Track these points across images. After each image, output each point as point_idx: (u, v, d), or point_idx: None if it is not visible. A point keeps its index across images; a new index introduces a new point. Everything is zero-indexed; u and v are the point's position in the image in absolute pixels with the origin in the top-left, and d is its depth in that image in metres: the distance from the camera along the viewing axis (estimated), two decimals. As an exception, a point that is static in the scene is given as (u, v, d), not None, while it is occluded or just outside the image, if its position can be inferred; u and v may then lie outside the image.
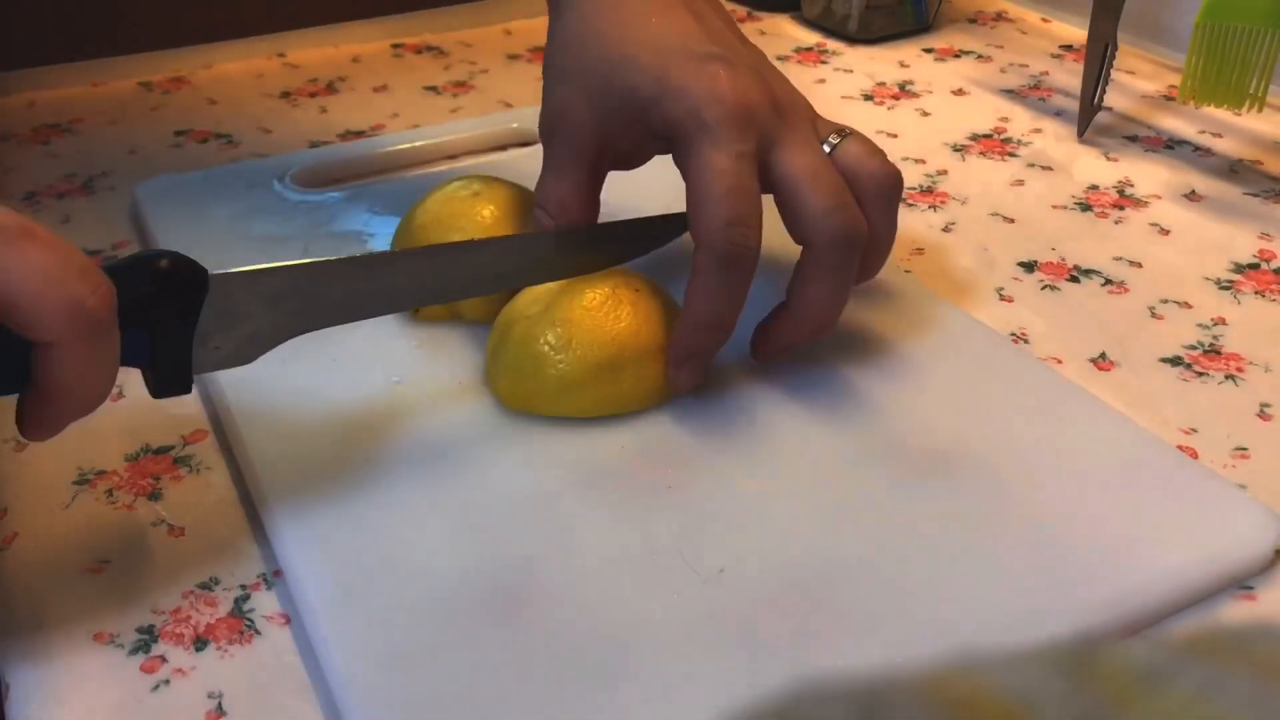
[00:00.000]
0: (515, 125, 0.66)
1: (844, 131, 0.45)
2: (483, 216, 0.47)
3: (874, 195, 0.45)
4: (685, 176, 0.43)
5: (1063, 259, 0.57)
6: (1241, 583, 0.38)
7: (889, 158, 0.46)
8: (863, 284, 0.47)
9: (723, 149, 0.42)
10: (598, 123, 0.45)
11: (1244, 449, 0.44)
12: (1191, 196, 0.63)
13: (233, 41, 0.79)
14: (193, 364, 0.37)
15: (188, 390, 0.38)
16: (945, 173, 0.65)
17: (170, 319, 0.36)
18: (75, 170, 0.64)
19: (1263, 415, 0.46)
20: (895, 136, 0.69)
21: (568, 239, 0.46)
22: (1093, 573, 0.37)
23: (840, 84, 0.76)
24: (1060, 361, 0.49)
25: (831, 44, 0.83)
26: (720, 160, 0.42)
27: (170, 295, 0.36)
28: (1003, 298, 0.54)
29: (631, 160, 0.48)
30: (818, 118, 0.46)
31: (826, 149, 0.44)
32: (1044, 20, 0.88)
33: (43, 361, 0.32)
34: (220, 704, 0.34)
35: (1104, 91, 0.68)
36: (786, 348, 0.46)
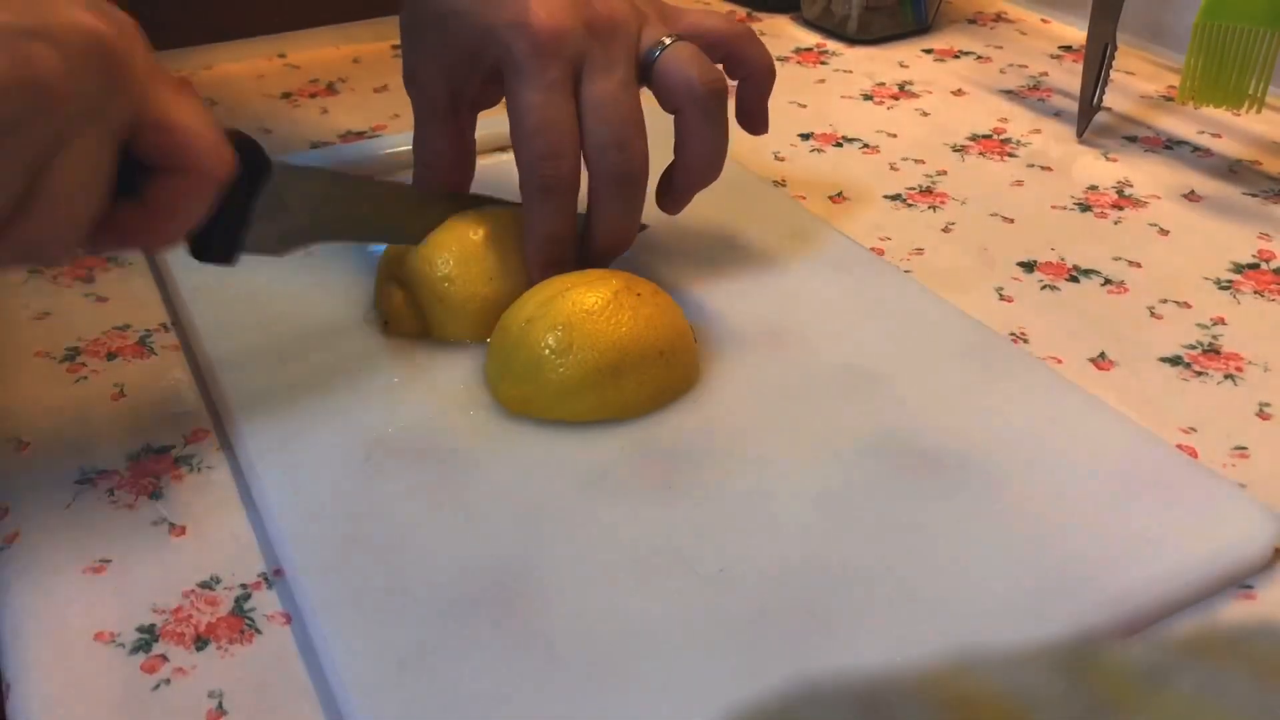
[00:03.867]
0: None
1: (667, 39, 0.47)
2: (472, 239, 0.47)
3: (688, 107, 0.47)
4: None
5: (1062, 259, 0.57)
6: (1241, 582, 0.38)
7: (713, 66, 0.47)
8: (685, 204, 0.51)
9: (528, 84, 0.44)
10: (444, 78, 0.49)
11: (1243, 448, 0.44)
12: (1191, 196, 0.63)
13: (233, 42, 0.79)
14: (239, 236, 0.41)
15: (230, 263, 0.42)
16: (945, 173, 0.65)
17: (235, 192, 0.39)
18: (75, 170, 0.64)
19: (1262, 415, 0.46)
20: (895, 136, 0.69)
21: None
22: (1093, 573, 0.37)
23: (840, 84, 0.76)
24: (1060, 361, 0.49)
25: (831, 44, 0.83)
26: (527, 96, 0.45)
27: (241, 169, 0.39)
28: (1002, 298, 0.54)
29: (485, 102, 0.51)
30: (652, 22, 0.48)
31: (658, 52, 0.46)
32: (1043, 21, 0.88)
33: (168, 186, 0.37)
34: (221, 703, 0.34)
35: (1103, 92, 0.68)
36: (598, 258, 0.48)
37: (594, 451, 0.42)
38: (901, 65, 0.80)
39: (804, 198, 0.62)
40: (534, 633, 0.35)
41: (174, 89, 0.37)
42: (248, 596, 0.38)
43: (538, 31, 0.44)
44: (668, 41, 0.47)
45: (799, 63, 0.80)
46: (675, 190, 0.50)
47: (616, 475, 0.41)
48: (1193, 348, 0.50)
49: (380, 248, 0.52)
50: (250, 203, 0.41)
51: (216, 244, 0.41)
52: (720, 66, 0.50)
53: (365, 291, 0.51)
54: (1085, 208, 0.61)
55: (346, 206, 0.44)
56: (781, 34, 0.85)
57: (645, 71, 0.47)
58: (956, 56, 0.82)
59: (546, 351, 0.42)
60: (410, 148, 0.64)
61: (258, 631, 0.37)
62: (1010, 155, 0.67)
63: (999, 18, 0.89)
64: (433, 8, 0.48)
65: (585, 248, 0.48)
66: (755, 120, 0.53)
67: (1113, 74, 0.69)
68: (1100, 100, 0.69)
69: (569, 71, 0.45)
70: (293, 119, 0.71)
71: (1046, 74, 0.78)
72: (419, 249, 0.47)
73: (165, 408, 0.46)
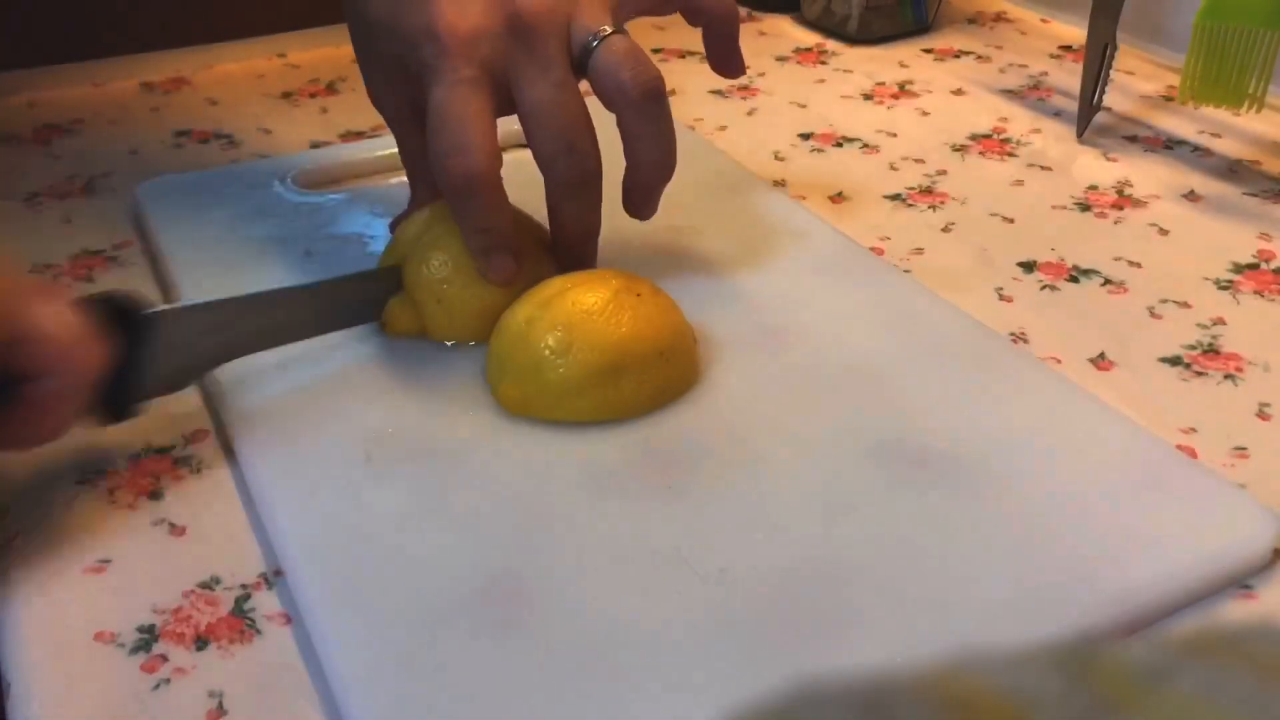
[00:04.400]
0: (516, 126, 0.65)
1: (601, 33, 0.44)
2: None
3: (624, 111, 0.45)
4: None
5: (1062, 259, 0.57)
6: (1241, 582, 0.38)
7: (651, 61, 0.45)
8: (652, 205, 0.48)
9: (440, 83, 0.43)
10: (392, 88, 0.48)
11: (1243, 449, 0.44)
12: (1191, 196, 0.63)
13: (233, 42, 0.79)
14: (135, 392, 0.41)
15: (137, 415, 0.41)
16: (945, 173, 0.65)
17: (118, 353, 0.39)
18: (76, 171, 0.64)
19: (1262, 415, 0.46)
20: (895, 136, 0.69)
21: None
22: (1093, 573, 0.37)
23: (840, 84, 0.76)
24: (1060, 361, 0.49)
25: (831, 44, 0.83)
26: (436, 94, 0.43)
27: (118, 331, 0.39)
28: (1002, 298, 0.54)
29: None
30: (585, 7, 0.45)
31: (595, 43, 0.44)
32: (1043, 21, 0.88)
33: (42, 389, 0.37)
34: (221, 703, 0.34)
35: (1103, 92, 0.68)
36: (570, 256, 0.47)
37: (594, 451, 0.42)
38: (901, 65, 0.80)
39: (804, 198, 0.62)
40: (534, 633, 0.35)
41: (33, 300, 0.37)
42: (248, 597, 0.38)
43: (443, 35, 0.43)
44: (604, 32, 0.45)
45: (799, 63, 0.80)
46: (635, 194, 0.48)
47: (616, 475, 0.41)
48: (1193, 348, 0.50)
49: (379, 249, 0.52)
50: (139, 357, 0.41)
51: (117, 403, 0.41)
52: (682, 14, 0.49)
53: (365, 291, 0.51)
54: (1085, 208, 0.61)
55: (254, 320, 0.44)
56: (781, 34, 0.85)
57: (583, 64, 0.45)
58: (956, 56, 0.82)
59: (546, 351, 0.42)
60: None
61: (258, 632, 0.37)
62: (1010, 155, 0.67)
63: (999, 18, 0.89)
64: (363, 20, 0.47)
65: (555, 249, 0.47)
66: (727, 65, 0.52)
67: (1113, 74, 0.69)
68: (1100, 100, 0.69)
69: (484, 72, 0.43)
70: (293, 119, 0.71)
71: (1046, 74, 0.78)
72: (415, 249, 0.47)
73: (165, 408, 0.46)
